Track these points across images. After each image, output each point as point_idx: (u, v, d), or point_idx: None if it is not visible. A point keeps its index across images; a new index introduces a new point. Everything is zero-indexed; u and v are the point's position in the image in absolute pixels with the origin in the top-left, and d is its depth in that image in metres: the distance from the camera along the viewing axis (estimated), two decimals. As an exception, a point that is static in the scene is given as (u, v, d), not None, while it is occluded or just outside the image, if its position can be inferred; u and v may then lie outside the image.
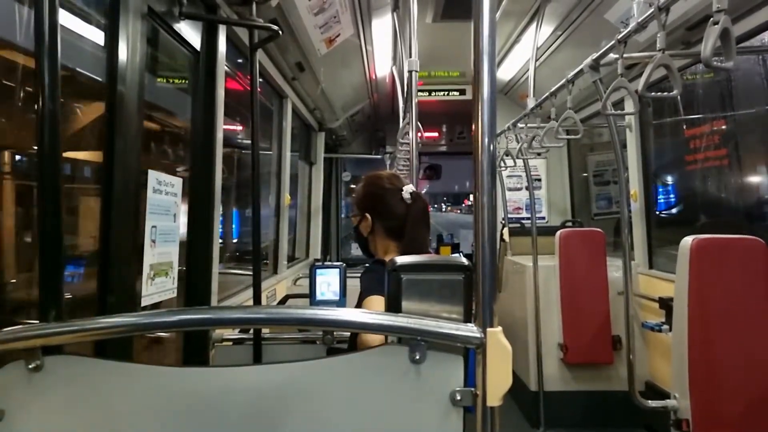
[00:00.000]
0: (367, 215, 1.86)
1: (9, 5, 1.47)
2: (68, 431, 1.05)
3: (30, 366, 1.04)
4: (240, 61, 3.07)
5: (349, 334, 1.90)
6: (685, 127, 3.81)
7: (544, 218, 5.71)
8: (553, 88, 3.38)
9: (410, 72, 2.68)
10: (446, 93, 5.84)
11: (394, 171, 5.82)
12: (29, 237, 1.64)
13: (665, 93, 2.16)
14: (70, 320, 1.15)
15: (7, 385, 1.04)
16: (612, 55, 2.45)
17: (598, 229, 4.24)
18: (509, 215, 5.60)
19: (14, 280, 1.61)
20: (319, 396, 1.07)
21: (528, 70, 4.16)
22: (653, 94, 2.27)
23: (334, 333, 2.08)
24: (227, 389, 1.07)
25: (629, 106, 3.84)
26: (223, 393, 1.06)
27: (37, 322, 1.15)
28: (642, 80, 2.06)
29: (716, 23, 1.77)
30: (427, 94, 5.79)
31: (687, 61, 3.22)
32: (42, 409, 1.05)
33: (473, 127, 1.03)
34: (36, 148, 1.18)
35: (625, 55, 2.33)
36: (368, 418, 1.07)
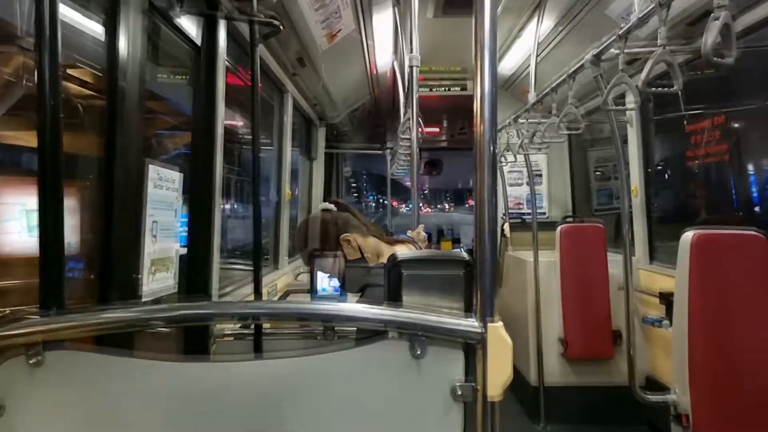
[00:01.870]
0: (346, 238, 1.89)
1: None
2: (69, 426, 1.05)
3: (31, 361, 1.04)
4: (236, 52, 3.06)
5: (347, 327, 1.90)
6: (686, 122, 3.80)
7: (544, 213, 5.71)
8: (554, 83, 3.37)
9: (411, 67, 2.67)
10: (447, 88, 5.82)
11: (394, 166, 5.83)
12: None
13: (665, 88, 2.15)
14: (70, 314, 1.15)
15: (8, 379, 1.04)
16: (613, 50, 2.45)
17: (599, 224, 4.24)
18: (510, 210, 5.60)
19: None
20: (320, 390, 1.07)
21: (529, 65, 4.15)
22: (653, 89, 2.26)
23: (335, 327, 2.08)
24: (228, 383, 1.07)
25: (630, 101, 3.83)
26: (225, 387, 1.07)
27: (38, 317, 1.16)
28: (642, 76, 2.06)
29: (717, 18, 1.77)
30: (428, 89, 5.78)
31: (688, 56, 3.21)
32: (43, 404, 1.05)
33: (474, 122, 1.03)
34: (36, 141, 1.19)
35: (626, 50, 2.33)
36: (369, 412, 1.07)
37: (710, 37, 1.77)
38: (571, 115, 3.20)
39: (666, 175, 4.28)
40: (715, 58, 1.81)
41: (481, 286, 1.01)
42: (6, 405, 1.03)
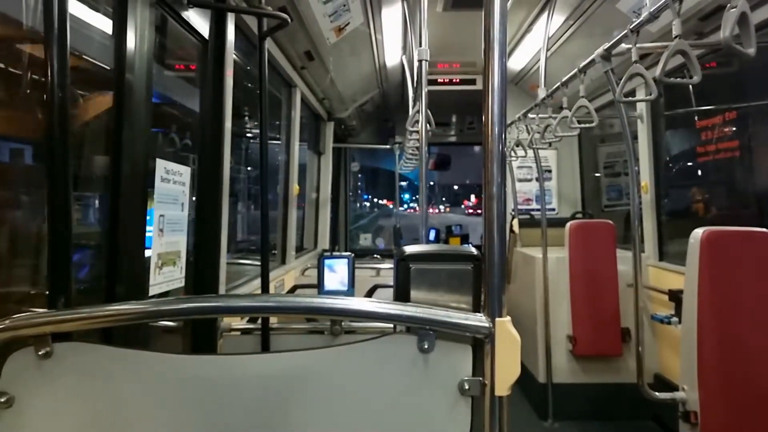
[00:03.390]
0: None
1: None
2: (77, 417, 1.06)
3: (40, 353, 1.04)
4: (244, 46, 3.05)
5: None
6: (697, 118, 3.77)
7: (554, 210, 5.69)
8: (564, 78, 3.35)
9: (420, 61, 2.65)
10: (456, 82, 5.80)
11: (402, 162, 5.82)
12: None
13: (685, 79, 2.12)
14: (78, 308, 1.16)
15: (17, 371, 1.05)
16: (624, 45, 2.42)
17: (608, 221, 4.22)
18: (519, 206, 5.58)
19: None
20: (327, 384, 1.07)
21: (539, 60, 4.13)
22: (672, 79, 2.22)
23: (342, 323, 2.08)
24: (235, 377, 1.07)
25: (641, 96, 3.80)
26: (232, 381, 1.07)
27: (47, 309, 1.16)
28: (660, 66, 2.03)
29: (734, 8, 1.75)
30: (437, 83, 5.75)
31: (702, 50, 3.17)
32: (51, 396, 1.05)
33: (483, 117, 1.02)
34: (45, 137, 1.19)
35: (638, 45, 2.30)
36: (376, 406, 1.07)
37: (728, 26, 1.75)
38: (583, 109, 3.18)
39: (676, 172, 4.24)
40: (736, 47, 1.78)
41: (490, 281, 1.00)
42: (16, 395, 1.04)
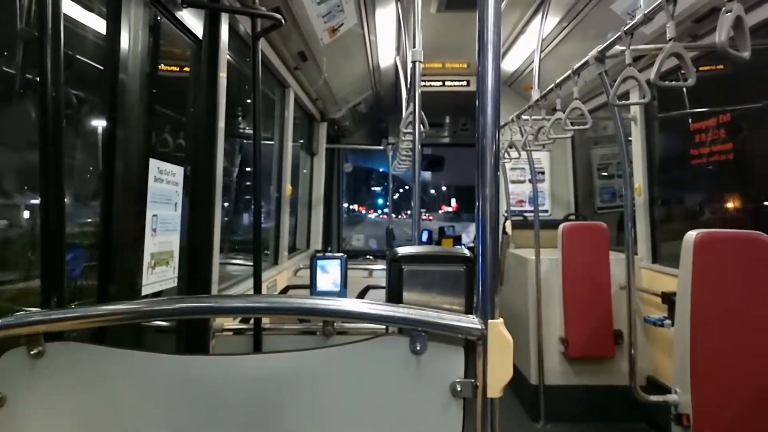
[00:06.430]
0: None
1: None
2: (69, 417, 1.05)
3: (32, 352, 1.04)
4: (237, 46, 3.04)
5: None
6: (690, 120, 3.78)
7: (547, 211, 5.70)
8: (558, 80, 3.36)
9: (414, 62, 2.66)
10: (450, 84, 5.81)
11: (395, 163, 5.82)
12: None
13: (679, 82, 2.12)
14: (71, 308, 1.15)
15: (9, 371, 1.04)
16: (618, 47, 2.43)
17: (602, 223, 4.23)
18: (512, 208, 5.59)
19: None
20: (319, 385, 1.07)
21: (533, 61, 4.14)
22: (666, 83, 2.23)
23: (335, 324, 2.08)
24: (227, 377, 1.07)
25: (634, 98, 3.82)
26: (223, 381, 1.07)
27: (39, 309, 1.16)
28: (654, 69, 2.03)
29: (729, 11, 1.76)
30: (431, 84, 5.76)
31: (696, 52, 3.18)
32: (43, 395, 1.05)
33: (477, 118, 1.02)
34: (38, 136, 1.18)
35: (632, 47, 2.31)
36: (368, 407, 1.07)
37: (724, 30, 1.75)
38: (577, 111, 3.18)
39: (669, 175, 4.26)
40: (732, 51, 1.78)
41: (482, 283, 1.00)
42: (7, 396, 1.03)
